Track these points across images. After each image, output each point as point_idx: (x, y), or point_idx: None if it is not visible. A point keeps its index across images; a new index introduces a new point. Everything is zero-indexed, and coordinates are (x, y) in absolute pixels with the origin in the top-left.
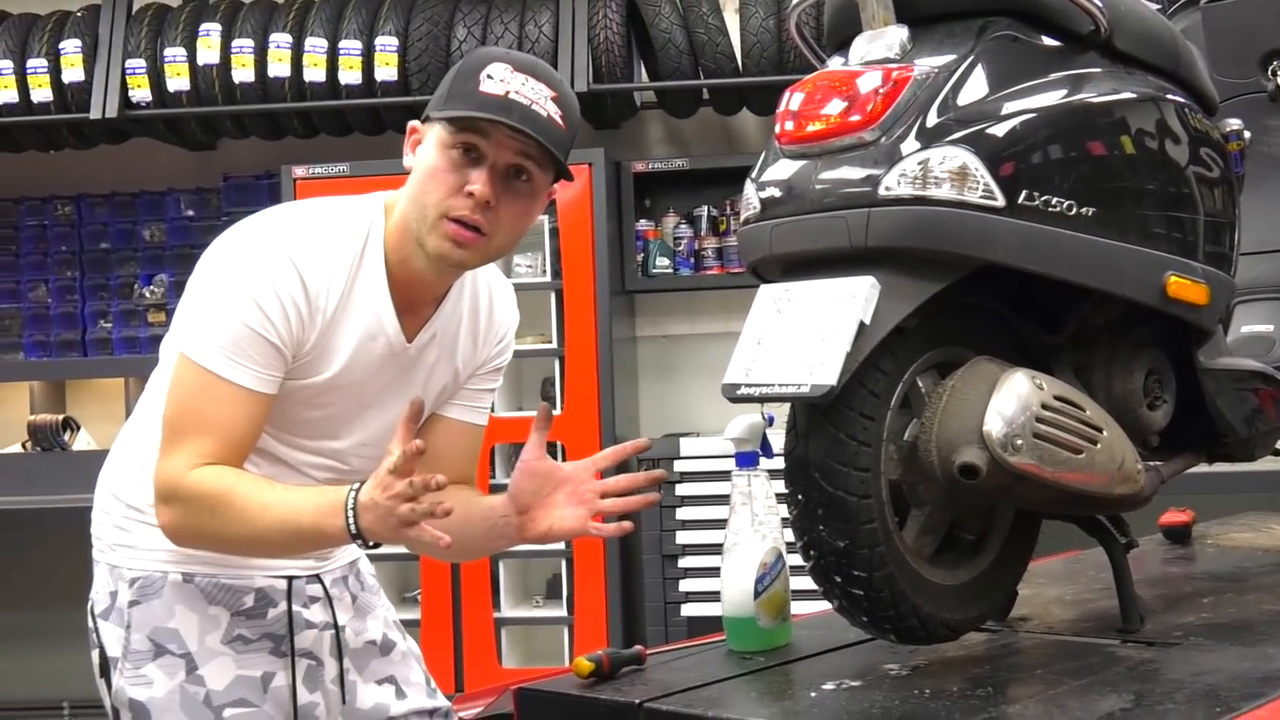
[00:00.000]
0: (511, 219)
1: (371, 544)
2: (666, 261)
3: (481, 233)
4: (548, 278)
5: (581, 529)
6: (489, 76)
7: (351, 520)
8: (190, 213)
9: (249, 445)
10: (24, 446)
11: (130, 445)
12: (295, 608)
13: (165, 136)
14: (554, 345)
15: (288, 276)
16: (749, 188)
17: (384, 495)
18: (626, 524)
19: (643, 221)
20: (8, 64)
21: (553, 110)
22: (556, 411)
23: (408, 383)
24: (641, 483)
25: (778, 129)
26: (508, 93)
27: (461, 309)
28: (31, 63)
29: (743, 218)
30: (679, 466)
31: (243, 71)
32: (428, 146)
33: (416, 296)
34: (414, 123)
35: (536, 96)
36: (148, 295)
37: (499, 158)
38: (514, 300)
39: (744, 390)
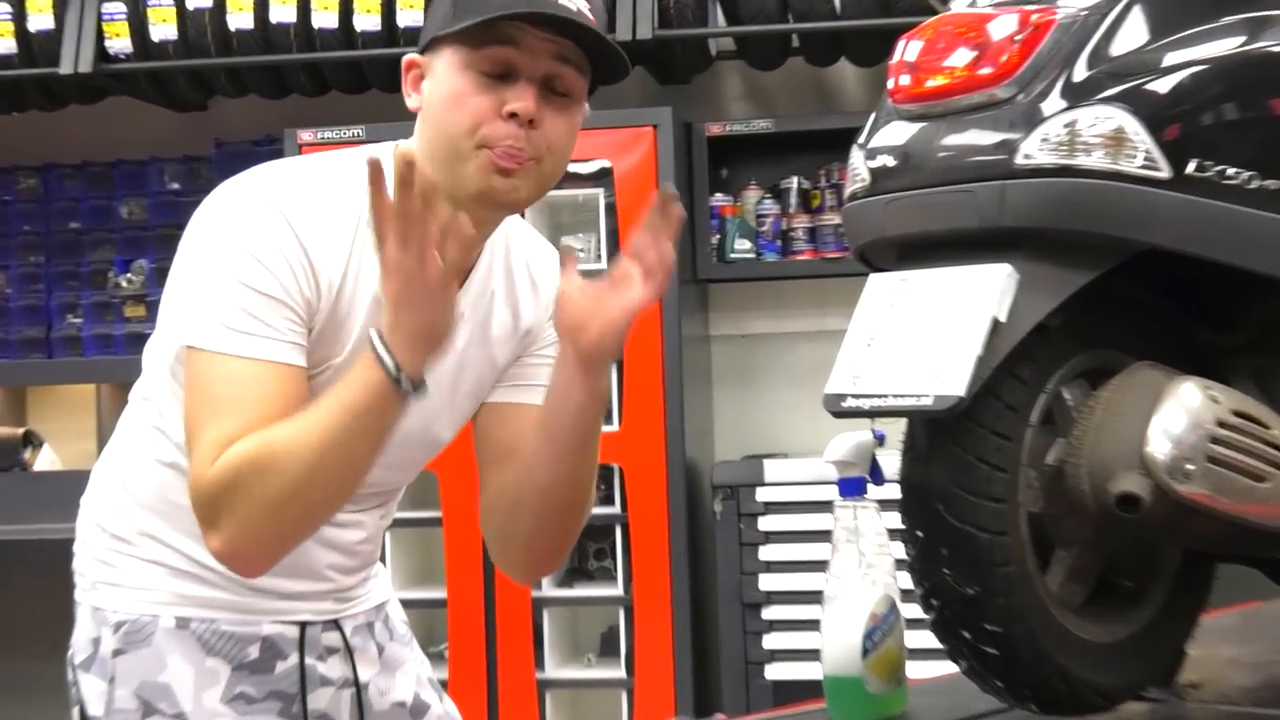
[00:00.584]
0: (559, 135)
1: (419, 382)
2: (747, 244)
3: (530, 157)
4: (602, 264)
5: (634, 296)
6: None
7: (388, 359)
8: (176, 185)
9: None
10: None
11: (112, 467)
12: (309, 660)
13: (148, 95)
14: None
15: (281, 231)
16: (855, 156)
17: (400, 276)
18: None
19: (719, 196)
20: None
21: (583, 4)
22: (612, 427)
23: (434, 372)
24: (658, 221)
25: (891, 84)
26: None
27: (494, 283)
28: None
29: (848, 191)
30: (762, 495)
31: (240, 17)
32: (441, 76)
33: None
34: (411, 54)
35: None
36: (125, 285)
37: (535, 68)
38: (555, 259)
39: (850, 402)
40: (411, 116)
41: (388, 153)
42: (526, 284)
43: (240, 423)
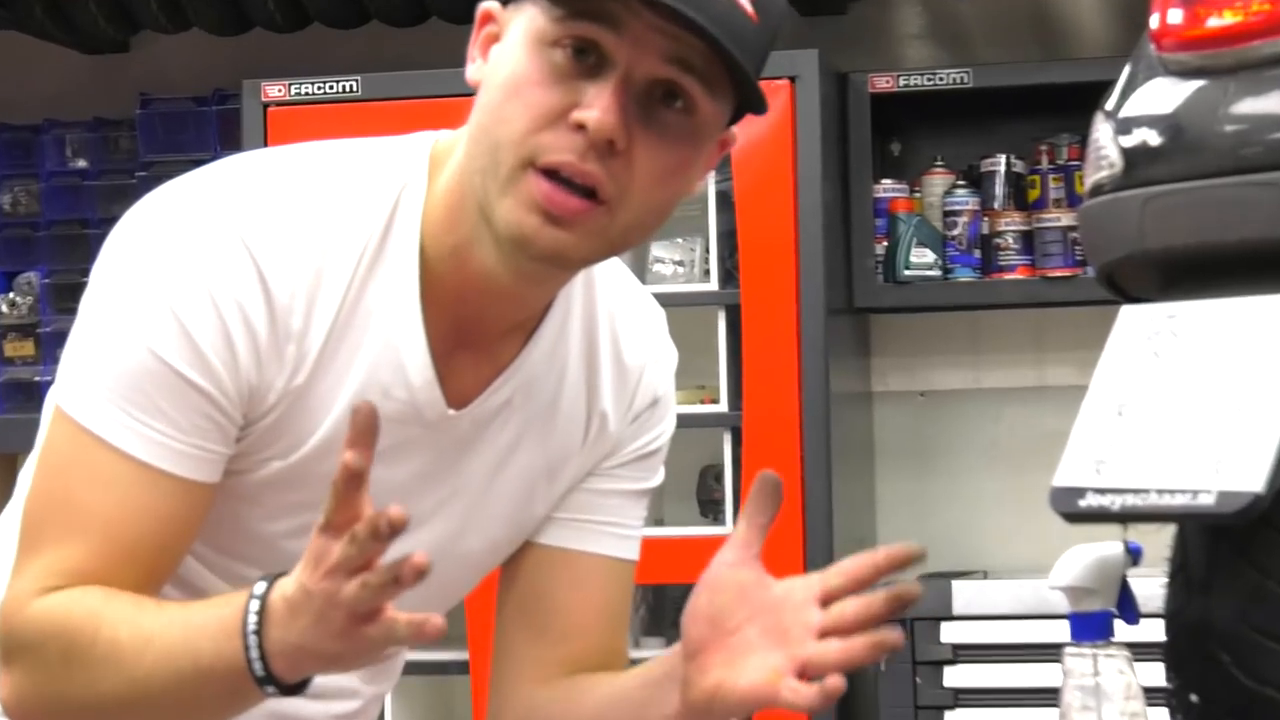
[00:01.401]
0: (654, 176)
1: (293, 685)
2: (930, 256)
3: (596, 198)
4: (712, 284)
5: (768, 693)
6: None
7: (253, 647)
8: (83, 163)
9: (154, 566)
10: None
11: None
12: None
13: (42, 29)
14: (722, 407)
15: (236, 271)
16: (1101, 128)
17: (317, 576)
18: (837, 682)
19: (887, 182)
20: None
21: None
22: (723, 528)
23: (454, 482)
24: (880, 610)
25: (1155, 22)
26: None
27: (566, 350)
28: None
29: (1088, 181)
30: (949, 633)
31: None
32: (512, 44)
33: (478, 323)
34: (488, 4)
35: None
36: (6, 310)
37: (637, 65)
38: (662, 329)
39: (1091, 500)
40: (431, 59)
41: (418, 152)
42: (610, 358)
43: (85, 553)
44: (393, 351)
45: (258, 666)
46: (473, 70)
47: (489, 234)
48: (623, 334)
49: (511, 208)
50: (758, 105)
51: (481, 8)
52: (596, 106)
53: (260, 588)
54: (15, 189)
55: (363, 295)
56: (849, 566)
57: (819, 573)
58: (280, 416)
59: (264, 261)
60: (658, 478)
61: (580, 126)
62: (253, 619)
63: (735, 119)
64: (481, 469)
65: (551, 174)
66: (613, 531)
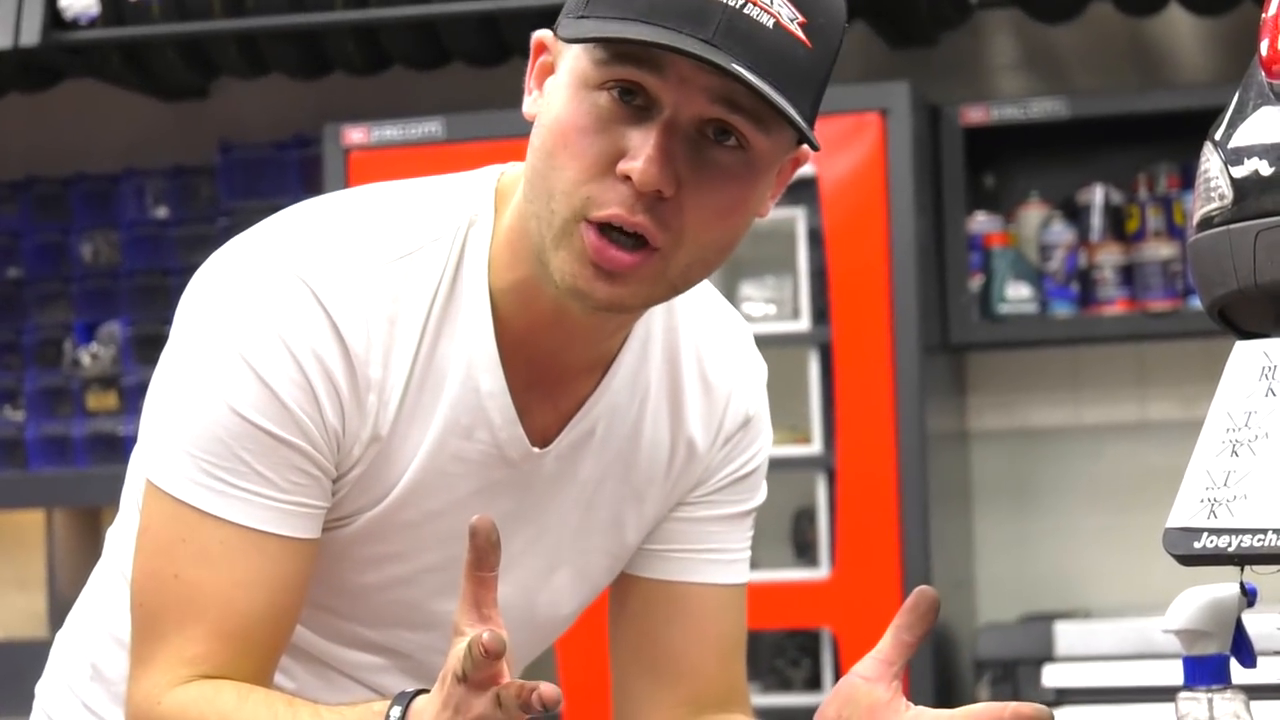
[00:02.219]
0: (708, 217)
1: None
2: (1026, 290)
3: (649, 245)
4: (804, 323)
5: None
6: None
7: None
8: (163, 212)
9: (274, 635)
10: None
11: (79, 644)
12: None
13: (122, 77)
14: (815, 449)
15: (309, 323)
16: (1210, 159)
17: (458, 716)
18: None
19: (982, 216)
20: None
21: (784, 13)
22: (818, 572)
23: (543, 520)
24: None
25: (1264, 49)
26: None
27: (647, 378)
28: None
29: (1197, 214)
30: (1053, 678)
31: None
32: (560, 85)
33: (553, 360)
34: (541, 34)
35: None
36: (87, 361)
37: (684, 106)
38: (749, 346)
39: (1207, 541)
40: (514, 100)
41: (485, 187)
42: (696, 381)
43: (206, 633)
44: (472, 393)
45: None
46: (529, 103)
47: (550, 279)
48: (708, 356)
49: (565, 260)
50: (811, 140)
51: (535, 37)
52: (640, 157)
53: (396, 712)
54: (95, 239)
55: (438, 338)
56: (984, 712)
57: (956, 711)
58: (368, 468)
59: (333, 309)
60: (759, 497)
61: (627, 176)
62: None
63: (797, 147)
64: (569, 504)
65: (604, 227)
66: (716, 558)
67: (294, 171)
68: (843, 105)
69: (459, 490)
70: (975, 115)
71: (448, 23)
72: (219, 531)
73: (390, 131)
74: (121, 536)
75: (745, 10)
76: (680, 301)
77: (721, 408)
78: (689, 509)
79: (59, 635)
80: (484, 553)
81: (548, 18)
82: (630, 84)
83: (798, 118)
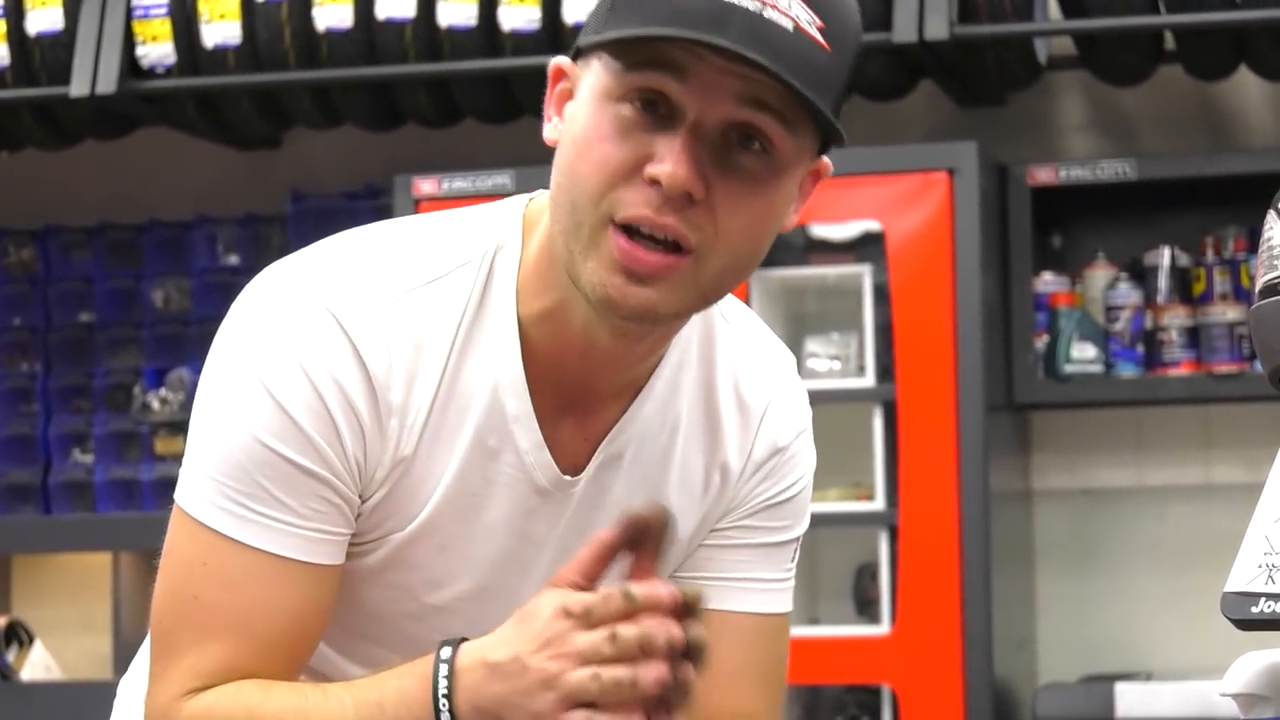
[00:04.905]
0: (739, 221)
1: None
2: (1092, 351)
3: (680, 249)
4: (869, 380)
5: None
6: None
7: (444, 711)
8: (234, 259)
9: (291, 658)
10: None
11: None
12: None
13: (196, 126)
14: (878, 504)
15: (329, 349)
16: (1273, 226)
17: (545, 655)
18: None
19: (1048, 276)
20: None
21: (803, 16)
22: (879, 628)
23: (572, 544)
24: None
25: None
26: None
27: (679, 404)
28: None
29: (1261, 280)
30: None
31: (332, 12)
32: (582, 102)
33: (582, 387)
34: (559, 60)
35: None
36: (157, 406)
37: (708, 111)
38: (790, 373)
39: (1266, 606)
40: None
41: (512, 215)
42: (732, 406)
43: (225, 652)
44: (498, 415)
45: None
46: (549, 130)
47: (578, 296)
48: (744, 379)
49: (595, 269)
50: (836, 138)
51: (553, 64)
52: (668, 160)
53: (447, 652)
54: (167, 285)
55: (464, 360)
56: None
57: None
58: (390, 491)
59: (355, 334)
60: (799, 527)
61: (655, 180)
62: (443, 683)
63: (824, 150)
64: (599, 529)
65: (631, 230)
66: (748, 586)
67: (364, 221)
68: (911, 164)
69: (489, 515)
70: (1043, 175)
71: (519, 76)
72: (239, 556)
73: (460, 183)
74: None
75: (765, 15)
76: (722, 330)
77: (754, 427)
78: (721, 535)
79: (123, 680)
80: (644, 534)
81: None
82: (653, 92)
83: (825, 109)
